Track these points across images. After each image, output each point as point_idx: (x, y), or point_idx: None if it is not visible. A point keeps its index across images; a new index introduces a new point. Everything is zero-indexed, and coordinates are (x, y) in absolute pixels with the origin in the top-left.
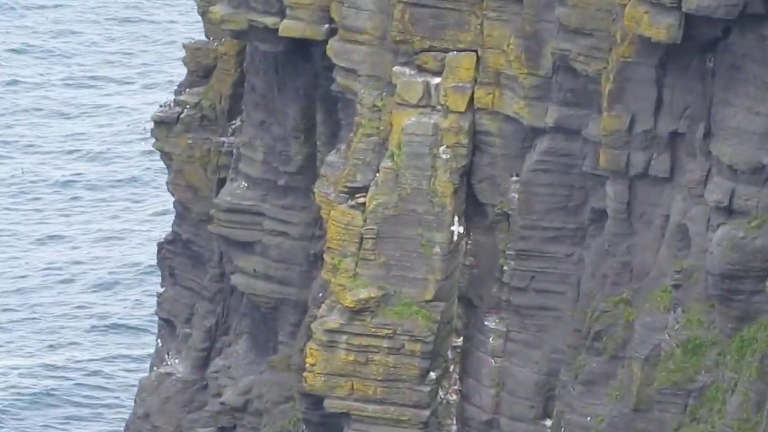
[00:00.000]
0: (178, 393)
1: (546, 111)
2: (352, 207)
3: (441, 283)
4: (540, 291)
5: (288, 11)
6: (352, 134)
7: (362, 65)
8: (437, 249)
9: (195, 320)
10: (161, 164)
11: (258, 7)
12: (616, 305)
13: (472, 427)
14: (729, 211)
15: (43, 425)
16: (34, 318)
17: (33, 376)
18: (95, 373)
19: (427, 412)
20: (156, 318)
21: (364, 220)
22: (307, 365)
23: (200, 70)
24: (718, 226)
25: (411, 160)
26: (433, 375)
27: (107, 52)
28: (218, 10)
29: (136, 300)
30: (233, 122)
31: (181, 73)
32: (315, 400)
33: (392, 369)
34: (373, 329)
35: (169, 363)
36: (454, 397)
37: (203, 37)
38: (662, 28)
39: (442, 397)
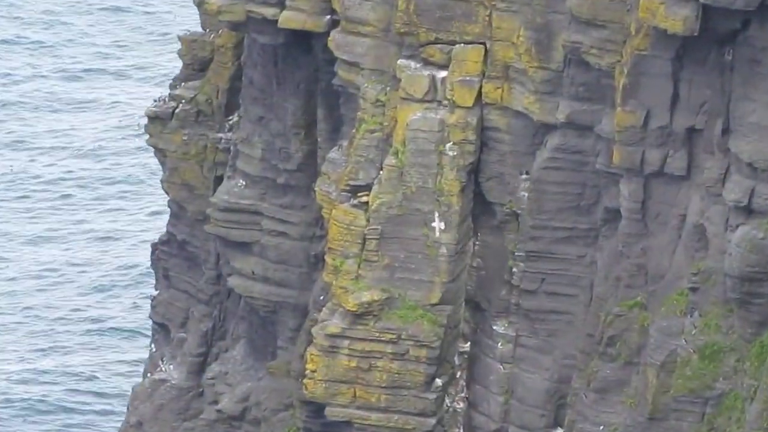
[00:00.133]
0: (172, 400)
1: (557, 106)
2: (354, 206)
3: (447, 286)
4: (551, 294)
5: (288, 2)
6: (354, 130)
7: (365, 58)
8: (443, 250)
9: (190, 324)
10: (156, 161)
11: None
12: (630, 309)
13: None
14: (748, 211)
15: None
16: (25, 322)
17: (23, 382)
18: (88, 378)
19: (432, 421)
20: (147, 322)
21: (367, 220)
22: (307, 371)
23: (196, 63)
24: (737, 226)
25: (416, 158)
26: (439, 382)
27: (100, 44)
28: (215, 1)
29: (133, 303)
30: (230, 118)
31: (176, 66)
32: (316, 408)
33: (396, 375)
34: (377, 334)
35: (163, 369)
36: (461, 404)
37: (199, 29)
38: (679, 19)
39: (449, 404)
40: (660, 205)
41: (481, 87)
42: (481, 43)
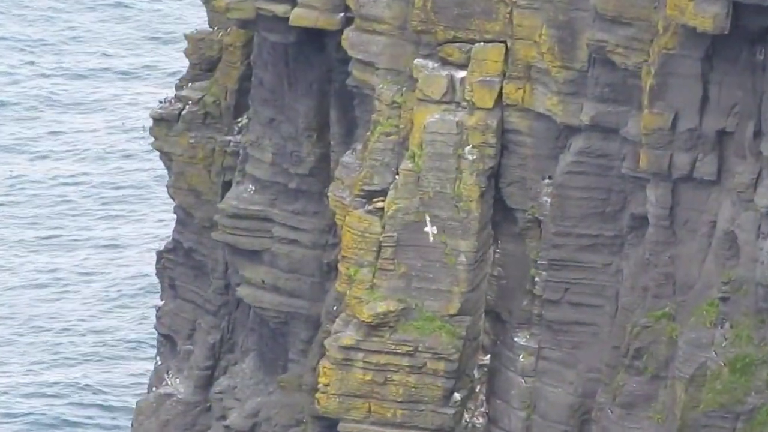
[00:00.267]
0: (178, 416)
1: (581, 108)
2: (369, 212)
3: (466, 296)
4: (575, 304)
5: None
6: (369, 133)
7: (380, 57)
8: (462, 258)
9: (197, 336)
10: (161, 165)
11: None
12: (657, 320)
13: None
14: None
15: None
16: (28, 333)
17: (26, 395)
18: (93, 392)
19: None
20: (155, 333)
21: (383, 227)
22: (319, 385)
23: (204, 63)
24: None
25: (433, 162)
26: (457, 396)
27: (103, 42)
28: None
29: (140, 314)
30: (239, 120)
31: (182, 65)
32: (328, 424)
33: (413, 390)
34: (393, 346)
35: (169, 383)
36: (481, 420)
37: (207, 27)
38: (708, 17)
39: (468, 420)
40: (689, 212)
41: (501, 88)
42: (501, 42)
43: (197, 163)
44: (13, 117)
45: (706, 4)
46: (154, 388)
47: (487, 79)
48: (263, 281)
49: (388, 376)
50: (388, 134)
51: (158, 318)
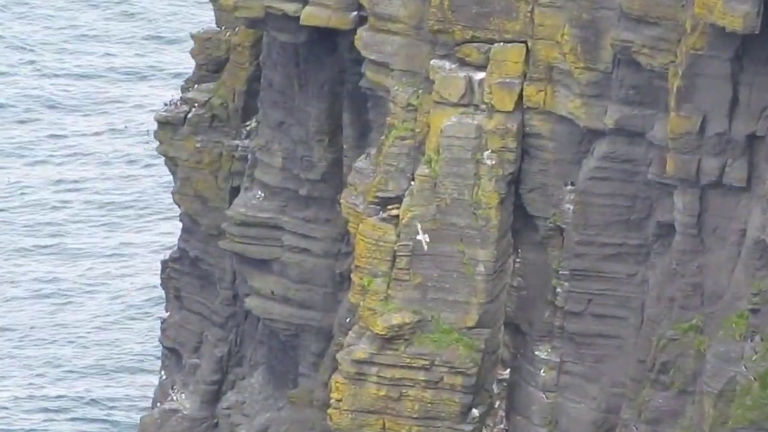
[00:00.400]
0: None
1: (605, 111)
2: (383, 220)
3: (485, 307)
4: (598, 316)
5: None
6: (383, 137)
7: (395, 58)
8: (481, 268)
9: (204, 349)
10: (166, 171)
11: None
12: (685, 333)
13: None
14: None
15: None
16: (29, 345)
17: (27, 410)
18: (96, 406)
19: None
20: (160, 346)
21: (398, 235)
22: (332, 401)
23: (210, 64)
24: None
25: (451, 167)
26: (475, 412)
27: (106, 43)
28: None
29: (148, 326)
30: (248, 123)
31: (188, 66)
32: None
33: (429, 405)
34: (408, 360)
35: (174, 398)
36: None
37: (214, 26)
38: (738, 15)
39: None
40: (717, 219)
41: (522, 90)
42: (522, 42)
43: (204, 168)
44: (11, 119)
45: (736, 3)
46: (158, 404)
47: (507, 80)
48: (273, 292)
49: (403, 391)
50: (403, 138)
51: (163, 330)
